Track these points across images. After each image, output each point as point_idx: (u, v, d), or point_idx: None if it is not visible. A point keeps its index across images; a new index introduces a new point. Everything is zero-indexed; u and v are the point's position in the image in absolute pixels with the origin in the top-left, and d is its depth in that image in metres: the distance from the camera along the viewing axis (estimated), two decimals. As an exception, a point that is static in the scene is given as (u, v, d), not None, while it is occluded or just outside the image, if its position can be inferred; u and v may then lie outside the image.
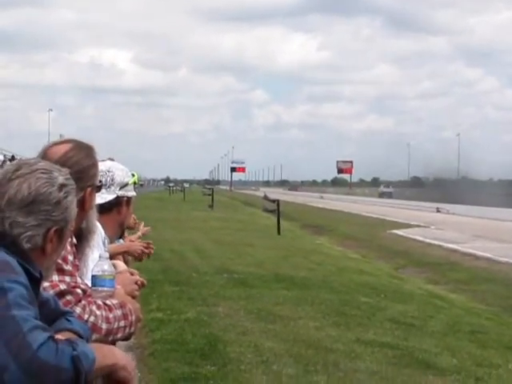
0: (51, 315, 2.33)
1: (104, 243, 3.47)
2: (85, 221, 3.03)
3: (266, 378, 7.25)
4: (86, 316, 2.65)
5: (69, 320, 2.35)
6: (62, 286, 2.67)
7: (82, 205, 2.89)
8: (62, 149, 3.00)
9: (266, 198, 51.08)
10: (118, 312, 2.76)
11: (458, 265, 20.44)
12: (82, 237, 3.05)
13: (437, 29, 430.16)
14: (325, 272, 16.34)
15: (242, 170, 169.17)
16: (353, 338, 9.26)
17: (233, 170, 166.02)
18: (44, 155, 2.93)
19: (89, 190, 2.99)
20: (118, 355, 2.30)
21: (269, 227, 30.70)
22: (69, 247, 2.72)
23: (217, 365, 7.56)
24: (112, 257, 3.55)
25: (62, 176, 2.33)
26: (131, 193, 3.92)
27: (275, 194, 74.23)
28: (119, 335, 2.77)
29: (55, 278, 2.64)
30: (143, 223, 5.82)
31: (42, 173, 2.30)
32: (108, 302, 2.76)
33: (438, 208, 54.11)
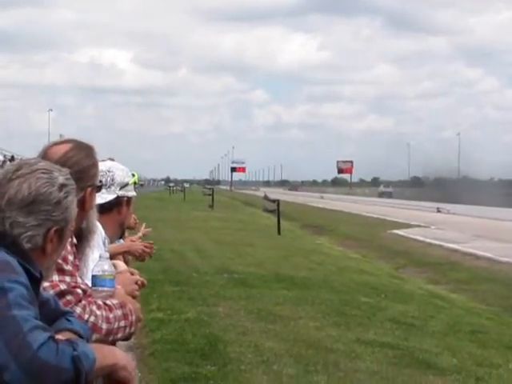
0: (51, 315, 2.32)
1: (104, 243, 3.47)
2: (85, 221, 3.03)
3: (267, 378, 7.25)
4: (86, 316, 2.65)
5: (69, 320, 2.35)
6: (63, 286, 2.66)
7: (83, 205, 2.89)
8: (62, 149, 3.00)
9: (266, 197, 51.09)
10: (119, 312, 2.76)
11: (459, 265, 20.44)
12: (83, 237, 3.05)
13: (437, 29, 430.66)
14: (325, 272, 16.35)
15: (242, 170, 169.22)
16: (353, 337, 9.25)
17: (233, 170, 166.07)
18: (44, 155, 2.93)
19: (89, 190, 2.99)
20: (118, 355, 2.30)
21: (269, 227, 30.71)
22: (69, 247, 2.72)
23: (217, 365, 7.56)
24: (112, 257, 3.55)
25: (62, 176, 2.33)
26: (131, 193, 3.92)
27: (275, 194, 74.23)
28: (119, 335, 2.77)
29: (55, 277, 2.64)
30: (144, 224, 5.81)
31: (43, 173, 2.30)
32: (108, 301, 2.75)
33: (438, 208, 54.07)
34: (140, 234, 5.55)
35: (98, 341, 2.55)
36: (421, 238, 27.63)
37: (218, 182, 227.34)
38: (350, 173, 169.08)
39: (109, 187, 3.79)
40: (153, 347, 8.33)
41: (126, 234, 4.94)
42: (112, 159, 4.06)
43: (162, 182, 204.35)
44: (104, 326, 2.70)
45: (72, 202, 2.34)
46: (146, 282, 3.20)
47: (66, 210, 2.31)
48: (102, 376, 2.32)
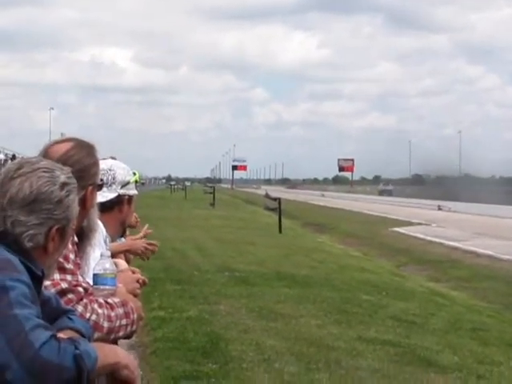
0: (53, 314, 2.33)
1: (105, 242, 3.47)
2: (86, 219, 3.03)
3: (268, 376, 7.25)
4: (87, 314, 2.65)
5: (71, 318, 2.35)
6: (64, 285, 2.67)
7: (84, 203, 2.89)
8: (64, 147, 3.00)
9: (267, 196, 51.10)
10: (120, 310, 2.76)
11: (460, 262, 20.44)
12: (84, 235, 3.05)
13: (438, 26, 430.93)
14: (326, 270, 16.34)
15: (244, 168, 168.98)
16: (354, 335, 9.25)
17: (234, 168, 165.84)
18: (45, 154, 2.93)
19: (90, 188, 2.99)
20: (120, 354, 2.30)
21: (270, 225, 30.70)
22: (70, 246, 2.72)
23: (218, 363, 7.56)
24: (113, 255, 3.56)
25: (63, 175, 2.33)
26: (132, 191, 3.92)
27: (276, 192, 74.20)
28: (121, 333, 2.77)
29: (57, 276, 2.64)
30: (147, 225, 5.81)
31: (44, 171, 2.30)
32: (110, 300, 2.76)
33: (439, 206, 54.04)
34: (141, 234, 5.55)
35: (99, 339, 2.55)
36: (422, 236, 27.64)
37: (219, 181, 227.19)
38: (351, 171, 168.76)
39: (110, 186, 3.79)
40: (154, 345, 8.33)
41: (128, 232, 4.95)
42: (113, 158, 4.07)
43: (164, 181, 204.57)
44: (105, 325, 2.70)
45: (73, 200, 2.34)
46: (147, 280, 3.20)
47: (67, 209, 2.31)
48: (105, 375, 2.32)
